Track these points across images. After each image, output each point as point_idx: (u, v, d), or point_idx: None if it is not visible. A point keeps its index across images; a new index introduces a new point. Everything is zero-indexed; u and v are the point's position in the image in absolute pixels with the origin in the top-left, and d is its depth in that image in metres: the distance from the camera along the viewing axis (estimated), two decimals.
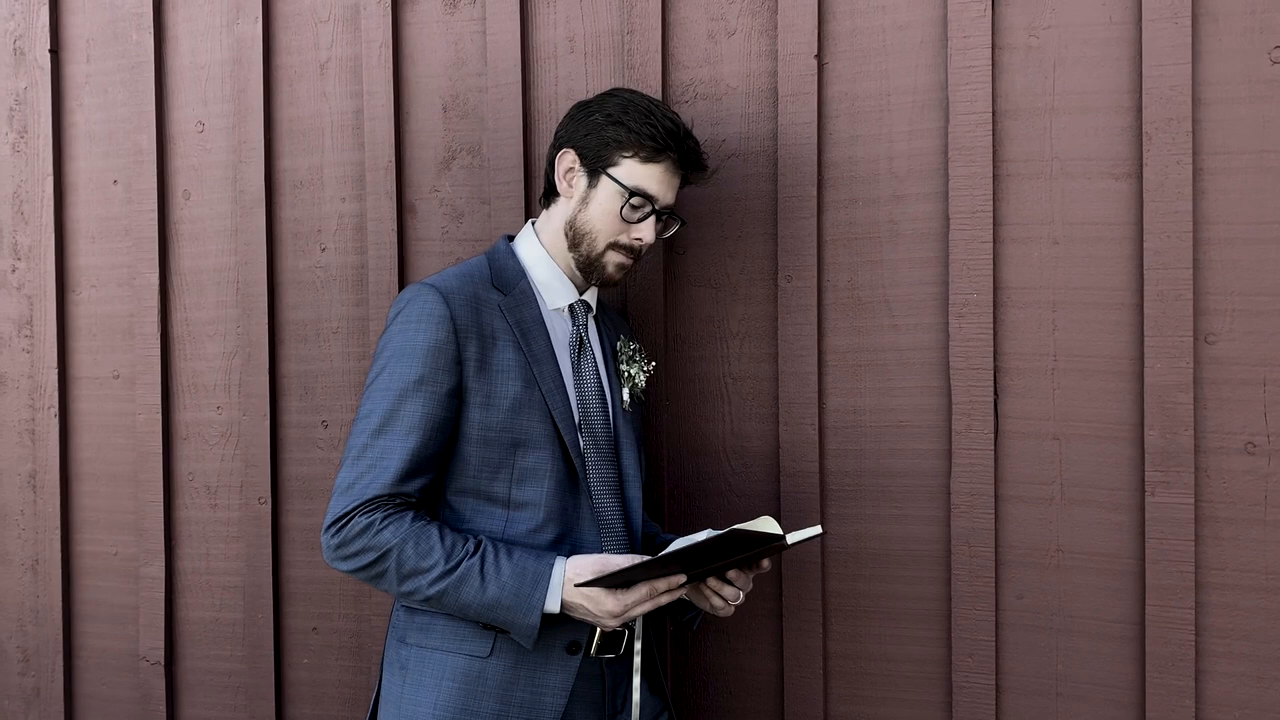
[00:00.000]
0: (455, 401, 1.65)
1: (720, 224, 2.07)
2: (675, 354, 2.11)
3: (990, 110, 1.90)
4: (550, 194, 1.82)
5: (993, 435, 1.91)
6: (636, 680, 1.68)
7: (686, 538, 1.59)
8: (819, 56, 2.00)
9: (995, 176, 1.91)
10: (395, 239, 2.26)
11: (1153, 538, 1.83)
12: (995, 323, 1.91)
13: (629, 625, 1.69)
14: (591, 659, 1.70)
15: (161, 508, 2.44)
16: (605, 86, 2.12)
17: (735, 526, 1.44)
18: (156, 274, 2.44)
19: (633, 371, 1.86)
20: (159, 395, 2.44)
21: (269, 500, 2.36)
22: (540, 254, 1.80)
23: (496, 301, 1.72)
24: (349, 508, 1.60)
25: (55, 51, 2.54)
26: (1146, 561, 1.83)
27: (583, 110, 1.78)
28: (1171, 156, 1.80)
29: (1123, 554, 1.86)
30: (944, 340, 1.94)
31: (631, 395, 1.86)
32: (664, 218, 1.80)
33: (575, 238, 1.76)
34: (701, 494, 2.09)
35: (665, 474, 2.10)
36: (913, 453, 1.97)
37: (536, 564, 1.60)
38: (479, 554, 1.59)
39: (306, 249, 2.34)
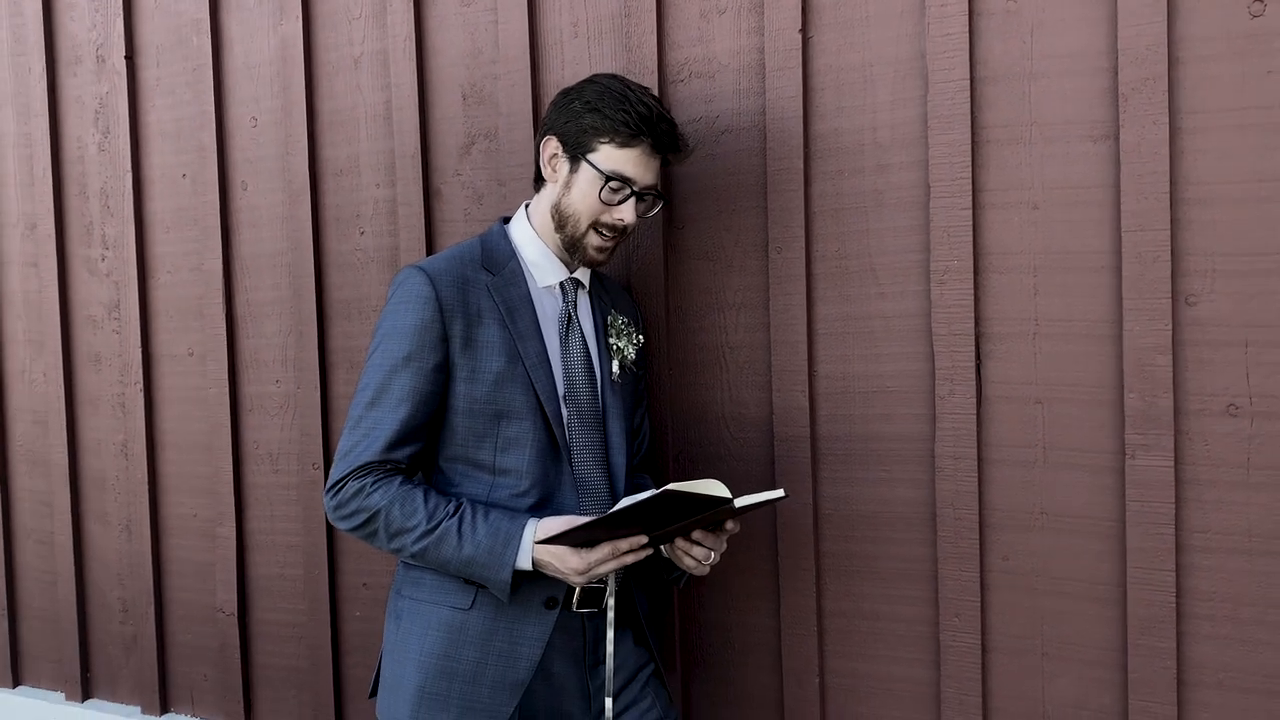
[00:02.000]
0: (442, 376, 1.78)
1: (716, 198, 2.14)
2: (677, 325, 2.19)
3: (968, 77, 1.91)
4: (539, 178, 1.93)
5: (975, 400, 1.94)
6: (610, 634, 1.79)
7: (631, 497, 1.68)
8: (803, 30, 2.04)
9: (974, 143, 1.92)
10: (423, 222, 2.41)
11: (1133, 500, 1.83)
12: (976, 288, 1.93)
13: (601, 581, 1.80)
14: (572, 613, 1.83)
15: (231, 474, 2.68)
16: (607, 69, 2.20)
17: (669, 486, 1.53)
18: (220, 260, 2.66)
19: (621, 344, 1.95)
20: (225, 370, 2.67)
21: (321, 466, 2.56)
22: (530, 235, 1.91)
23: (485, 281, 1.84)
24: (345, 473, 1.76)
25: (130, 57, 2.78)
26: (1127, 524, 1.84)
27: (564, 98, 1.88)
28: (1148, 117, 1.78)
29: (1105, 516, 1.87)
30: (927, 307, 1.97)
31: (622, 367, 1.95)
32: (647, 198, 1.88)
33: (561, 220, 1.86)
34: (704, 459, 2.18)
35: (669, 441, 2.20)
36: (900, 418, 2.01)
37: (510, 524, 1.72)
38: (458, 515, 1.73)
39: (347, 233, 2.52)
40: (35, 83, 2.89)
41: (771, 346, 2.09)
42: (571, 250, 1.87)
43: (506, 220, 1.96)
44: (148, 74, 2.76)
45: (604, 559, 1.69)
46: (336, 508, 1.77)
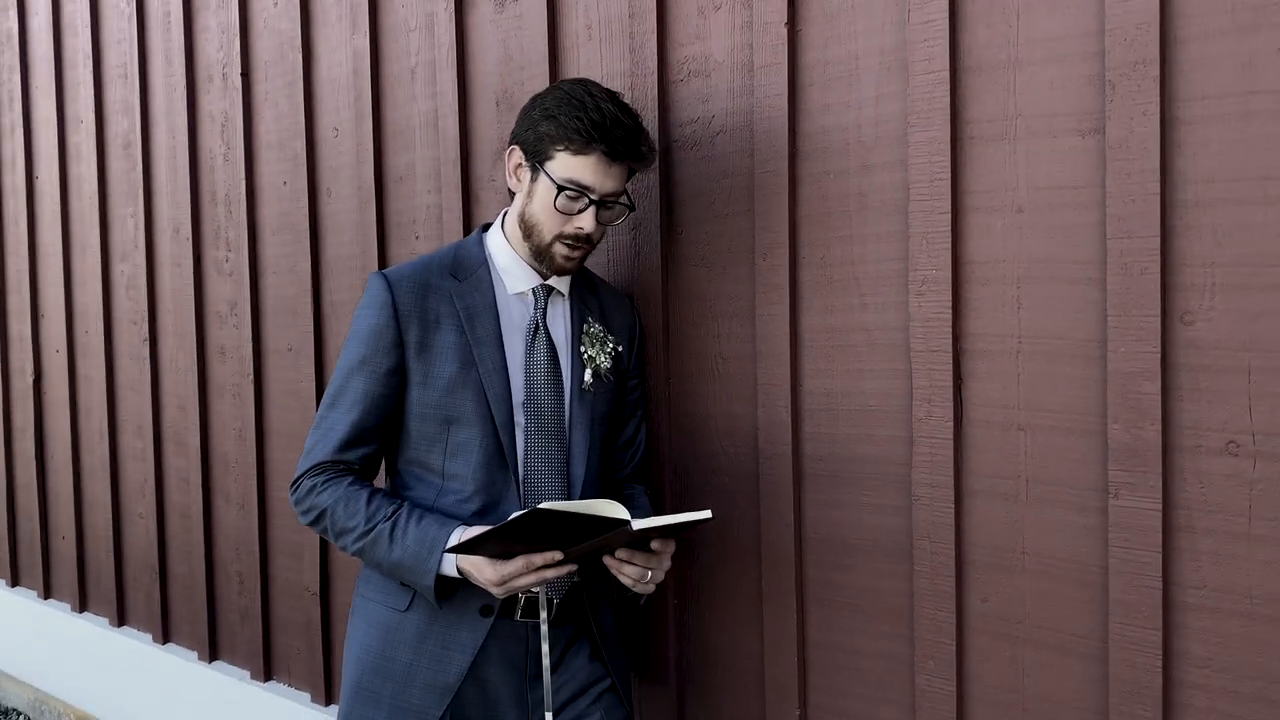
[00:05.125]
0: (396, 380, 1.83)
1: (710, 202, 2.06)
2: (675, 334, 2.12)
3: (949, 68, 1.72)
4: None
5: (953, 423, 1.75)
6: (545, 648, 1.76)
7: (519, 512, 1.65)
8: (790, 23, 1.91)
9: (955, 140, 1.73)
10: (462, 227, 2.46)
11: (1116, 545, 1.60)
12: (956, 301, 1.75)
13: (524, 593, 1.78)
14: (516, 622, 1.82)
15: None
16: (616, 70, 2.17)
17: (542, 505, 1.50)
18: (309, 262, 2.84)
19: (593, 353, 1.92)
20: (313, 366, 2.84)
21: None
22: (502, 242, 1.91)
23: (449, 288, 1.86)
24: (302, 471, 1.84)
25: (246, 74, 3.01)
26: (1110, 572, 1.61)
27: (530, 104, 1.86)
28: (1136, 107, 1.55)
29: (1089, 562, 1.65)
30: (906, 320, 1.81)
31: (596, 375, 1.92)
32: (613, 206, 1.84)
33: (526, 229, 1.85)
34: (699, 473, 2.11)
35: (665, 452, 2.14)
36: (880, 439, 1.86)
37: (438, 531, 1.74)
38: (393, 518, 1.76)
39: (405, 238, 2.62)
40: (179, 100, 3.20)
41: (757, 358, 1.99)
42: (540, 259, 1.86)
43: (487, 227, 1.97)
44: (259, 89, 2.99)
45: (518, 572, 1.66)
46: (296, 504, 1.85)
